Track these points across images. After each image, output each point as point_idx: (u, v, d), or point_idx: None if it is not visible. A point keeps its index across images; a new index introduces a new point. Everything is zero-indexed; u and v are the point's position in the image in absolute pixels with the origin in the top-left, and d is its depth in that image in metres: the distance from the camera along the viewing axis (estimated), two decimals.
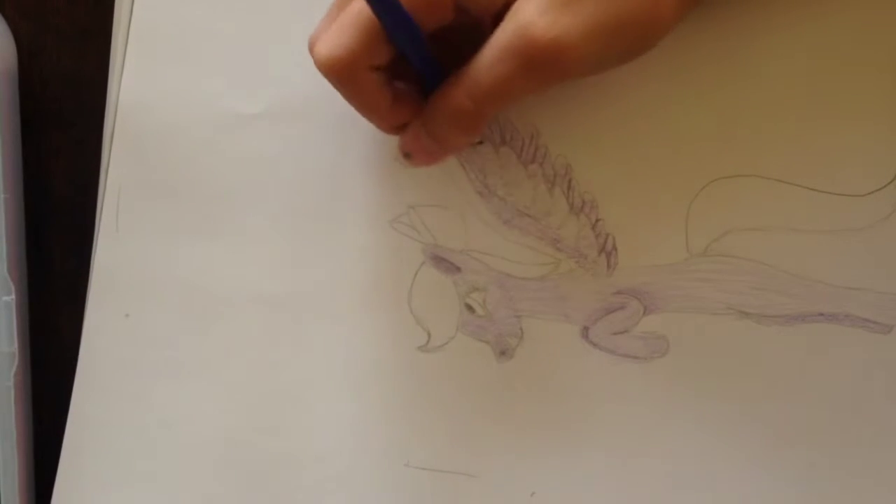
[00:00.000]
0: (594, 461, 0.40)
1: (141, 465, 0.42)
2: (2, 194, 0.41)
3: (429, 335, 0.40)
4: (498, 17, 0.32)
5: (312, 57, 0.34)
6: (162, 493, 0.42)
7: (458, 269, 0.40)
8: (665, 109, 0.38)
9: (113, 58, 0.41)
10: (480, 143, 0.39)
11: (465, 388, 0.40)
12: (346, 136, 0.40)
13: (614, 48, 0.32)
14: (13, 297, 0.42)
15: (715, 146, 0.38)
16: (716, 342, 0.39)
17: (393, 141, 0.39)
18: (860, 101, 0.37)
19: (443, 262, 0.40)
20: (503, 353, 0.40)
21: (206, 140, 0.40)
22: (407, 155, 0.36)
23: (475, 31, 0.33)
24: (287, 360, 0.41)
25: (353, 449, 0.41)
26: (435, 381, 0.40)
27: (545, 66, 0.31)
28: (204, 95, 0.40)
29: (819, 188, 0.38)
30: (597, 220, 0.39)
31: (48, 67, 0.44)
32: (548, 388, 0.40)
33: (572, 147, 0.38)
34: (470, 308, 0.40)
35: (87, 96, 0.43)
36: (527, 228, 0.39)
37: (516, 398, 0.40)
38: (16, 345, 0.42)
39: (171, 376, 0.42)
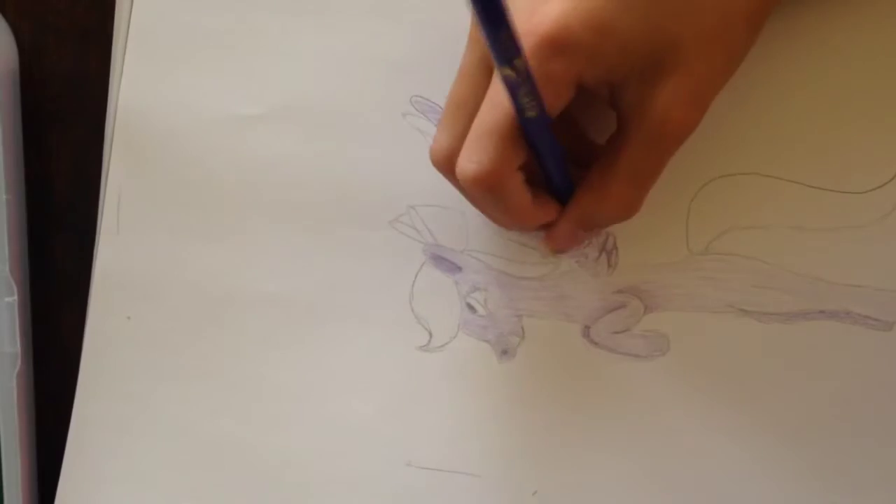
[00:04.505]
0: (596, 460, 0.40)
1: (144, 466, 0.42)
2: (3, 195, 0.41)
3: (430, 335, 0.40)
4: (612, 86, 0.33)
5: (449, 174, 0.35)
6: (164, 493, 0.42)
7: (459, 269, 0.40)
8: None
9: (114, 59, 0.41)
10: None
11: (466, 387, 0.40)
12: (346, 137, 0.40)
13: None
14: (15, 297, 0.42)
15: (715, 144, 0.38)
16: (716, 340, 0.39)
17: (396, 146, 0.39)
18: (860, 98, 0.37)
19: (444, 261, 0.40)
20: (504, 352, 0.40)
21: (206, 141, 0.40)
22: (561, 250, 0.39)
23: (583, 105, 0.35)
24: (288, 361, 0.41)
25: (356, 449, 0.41)
26: (436, 380, 0.40)
27: (686, 138, 0.34)
28: (204, 97, 0.40)
29: (819, 186, 0.38)
30: None
31: (49, 68, 0.44)
32: (549, 387, 0.40)
33: None
34: (471, 308, 0.40)
35: (88, 97, 0.43)
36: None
37: (518, 397, 0.40)
38: (18, 345, 0.42)
39: (173, 378, 0.42)
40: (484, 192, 0.34)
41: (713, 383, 0.39)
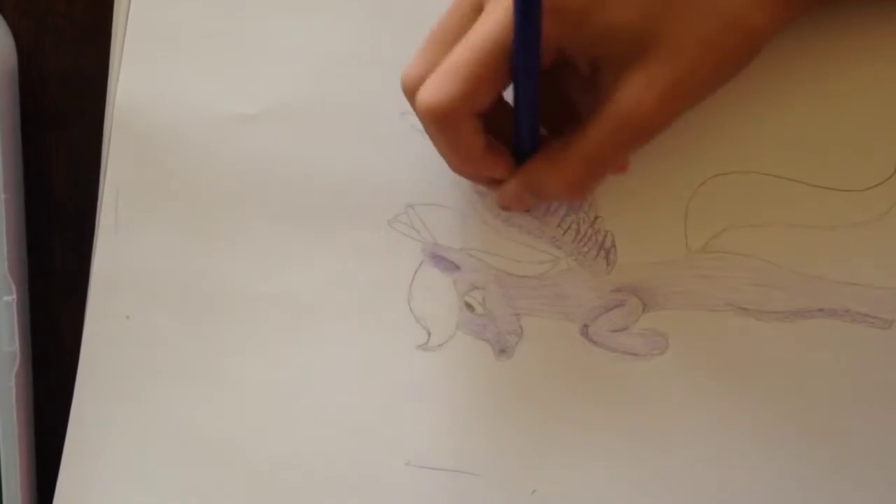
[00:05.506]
0: (594, 458, 0.40)
1: (142, 466, 0.42)
2: (2, 194, 0.41)
3: (428, 334, 0.40)
4: (595, 62, 0.33)
5: (412, 100, 0.34)
6: (163, 493, 0.42)
7: (458, 268, 0.40)
8: None
9: (112, 58, 0.41)
10: None
11: (465, 386, 0.40)
12: (344, 136, 0.40)
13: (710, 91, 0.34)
14: (14, 296, 0.42)
15: (713, 142, 0.38)
16: (715, 339, 0.39)
17: (394, 145, 0.39)
18: (859, 96, 0.37)
19: (442, 260, 0.40)
20: (503, 351, 0.40)
21: (204, 141, 0.40)
22: (507, 208, 0.39)
23: (564, 74, 0.35)
24: (287, 360, 0.41)
25: (354, 448, 0.41)
26: (435, 379, 0.40)
27: (651, 135, 0.33)
28: (202, 96, 0.40)
29: (818, 184, 0.38)
30: (595, 218, 0.39)
31: (48, 67, 0.44)
32: (548, 385, 0.40)
33: None
34: (469, 306, 0.40)
35: (86, 96, 0.43)
36: (526, 226, 0.39)
37: (516, 396, 0.40)
38: (17, 344, 0.42)
39: (172, 377, 0.42)
40: (434, 126, 0.33)
41: (712, 382, 0.39)
